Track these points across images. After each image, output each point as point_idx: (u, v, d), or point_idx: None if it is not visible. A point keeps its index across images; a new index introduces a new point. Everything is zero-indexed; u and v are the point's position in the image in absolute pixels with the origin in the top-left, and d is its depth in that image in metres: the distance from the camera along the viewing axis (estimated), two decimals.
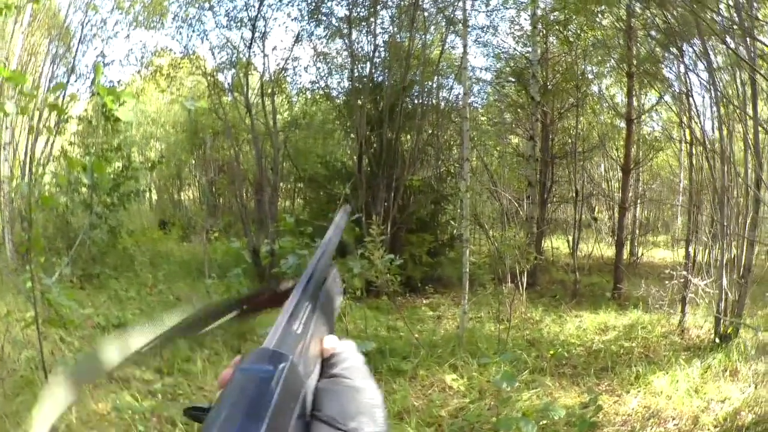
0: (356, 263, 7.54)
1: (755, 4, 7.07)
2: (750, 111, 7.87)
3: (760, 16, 7.33)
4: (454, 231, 13.24)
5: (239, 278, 7.89)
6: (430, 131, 13.44)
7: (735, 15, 7.42)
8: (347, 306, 7.85)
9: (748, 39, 7.00)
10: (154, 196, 19.47)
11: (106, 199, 10.32)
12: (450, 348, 7.72)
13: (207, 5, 12.19)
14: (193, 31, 12.85)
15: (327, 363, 0.71)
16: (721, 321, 7.99)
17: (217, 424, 0.49)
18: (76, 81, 12.31)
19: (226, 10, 12.28)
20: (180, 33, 12.74)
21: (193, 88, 14.19)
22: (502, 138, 15.23)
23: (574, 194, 13.35)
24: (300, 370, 0.61)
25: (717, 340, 7.95)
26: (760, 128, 7.70)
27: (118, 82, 13.21)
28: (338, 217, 1.07)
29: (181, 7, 12.54)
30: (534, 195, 12.87)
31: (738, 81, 8.12)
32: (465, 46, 10.72)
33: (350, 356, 0.73)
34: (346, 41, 12.52)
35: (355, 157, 12.59)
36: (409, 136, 13.15)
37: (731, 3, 7.44)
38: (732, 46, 7.21)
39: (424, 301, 11.45)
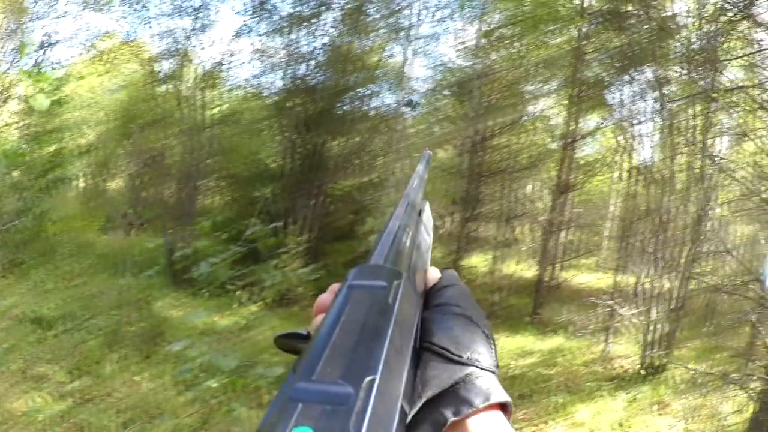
0: (270, 274, 7.53)
1: (719, 37, 7.03)
2: (699, 142, 7.87)
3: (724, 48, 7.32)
4: (371, 244, 12.95)
5: (152, 279, 7.52)
6: (358, 139, 13.13)
7: (697, 44, 7.41)
8: (257, 316, 7.53)
9: (708, 70, 6.95)
10: (82, 184, 18.83)
11: (35, 185, 10.03)
12: None
13: None
14: (138, 16, 12.25)
15: (431, 293, 0.67)
16: (649, 352, 7.93)
17: (327, 347, 0.42)
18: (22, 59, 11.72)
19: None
20: (125, 17, 12.58)
21: (130, 76, 13.82)
22: (432, 151, 15.01)
23: (499, 213, 13.26)
24: (413, 291, 0.58)
25: (643, 372, 7.88)
26: (707, 160, 7.69)
27: (59, 63, 12.62)
28: (423, 164, 1.00)
29: None
30: (458, 212, 12.72)
31: (689, 111, 8.13)
32: (405, 55, 10.52)
33: (456, 284, 0.69)
34: (286, 40, 12.18)
35: (279, 160, 12.32)
36: (337, 143, 12.78)
37: (694, 32, 7.44)
38: (690, 75, 7.15)
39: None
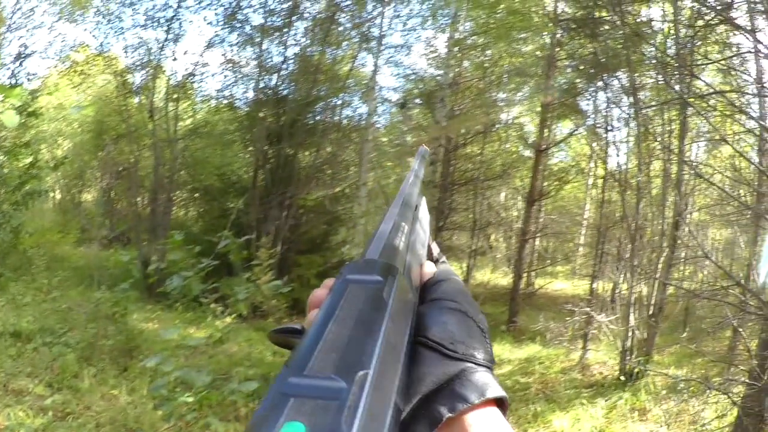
0: (242, 288, 7.41)
1: (695, 41, 7.04)
2: (675, 147, 7.87)
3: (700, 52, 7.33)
4: (345, 255, 12.90)
5: (127, 292, 7.50)
6: (329, 149, 13.06)
7: (673, 49, 7.42)
8: (231, 328, 7.51)
9: (683, 75, 6.94)
10: (58, 196, 18.93)
11: (11, 198, 10.04)
12: None
13: (128, 1, 11.66)
14: (111, 28, 12.12)
15: (426, 288, 0.66)
16: (628, 359, 7.90)
17: (320, 342, 0.42)
18: None
19: (146, 9, 11.75)
20: (99, 28, 12.53)
21: (103, 87, 13.66)
22: (402, 160, 15.00)
23: (472, 222, 13.24)
24: (409, 286, 0.57)
25: (622, 378, 7.83)
26: (686, 166, 7.67)
27: (35, 75, 12.78)
28: (418, 160, 0.98)
29: (104, 2, 12.07)
30: (431, 221, 12.63)
31: (664, 116, 8.13)
32: (376, 64, 10.46)
33: (451, 278, 0.68)
34: (257, 50, 12.11)
35: (251, 171, 12.24)
36: (308, 153, 12.71)
37: (669, 37, 7.45)
38: (666, 81, 7.13)
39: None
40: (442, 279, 0.67)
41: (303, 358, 0.40)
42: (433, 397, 0.49)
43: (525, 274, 12.91)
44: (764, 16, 5.68)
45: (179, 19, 11.62)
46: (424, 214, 0.87)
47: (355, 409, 0.35)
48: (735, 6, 5.93)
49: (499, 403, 0.52)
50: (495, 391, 0.51)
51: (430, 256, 0.81)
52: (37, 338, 6.71)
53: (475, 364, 0.53)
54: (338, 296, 0.48)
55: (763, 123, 5.98)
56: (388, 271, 0.52)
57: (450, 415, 0.48)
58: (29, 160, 10.55)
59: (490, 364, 0.55)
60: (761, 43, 5.59)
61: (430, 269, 0.70)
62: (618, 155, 9.63)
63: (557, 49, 10.60)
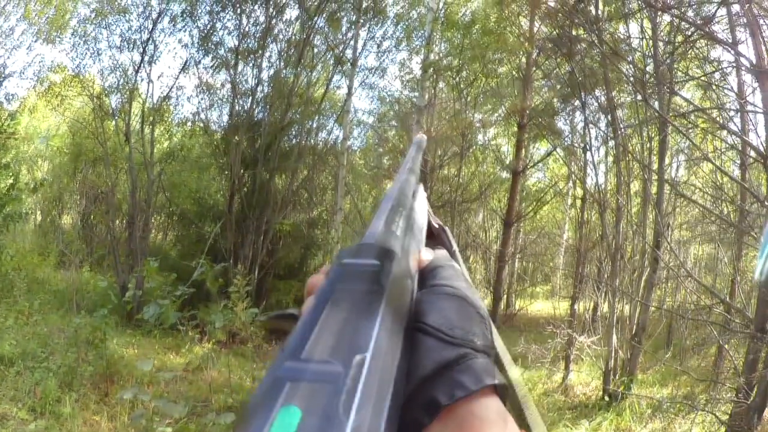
0: (219, 316, 7.57)
1: (675, 57, 7.04)
2: (655, 165, 7.85)
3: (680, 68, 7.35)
4: None
5: (105, 318, 7.55)
6: (305, 173, 12.99)
7: (651, 66, 7.42)
8: (210, 353, 7.54)
9: (662, 92, 6.94)
10: (38, 218, 18.86)
11: None
12: None
13: (104, 23, 11.63)
14: (87, 49, 12.03)
15: (424, 273, 0.63)
16: (611, 380, 7.84)
17: (316, 326, 0.41)
18: None
19: (121, 31, 11.69)
20: (75, 50, 12.07)
21: (80, 110, 13.73)
22: (379, 183, 14.96)
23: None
24: (406, 271, 0.55)
25: (606, 399, 7.78)
26: (664, 183, 7.66)
27: (13, 95, 12.68)
28: (414, 148, 0.97)
29: (80, 23, 12.01)
30: None
31: (643, 135, 8.13)
32: (350, 87, 10.41)
33: (448, 264, 0.65)
34: (231, 73, 12.01)
35: (227, 196, 12.10)
36: (284, 176, 12.64)
37: (648, 53, 7.45)
38: (644, 99, 7.12)
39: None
40: (440, 265, 0.66)
41: (299, 342, 0.38)
42: (431, 384, 0.48)
43: (504, 296, 12.87)
44: (745, 29, 5.66)
45: (154, 41, 11.56)
46: (421, 200, 0.86)
47: (352, 394, 0.34)
48: (715, 20, 5.95)
49: (499, 390, 0.49)
50: (494, 378, 0.49)
51: (434, 242, 0.83)
52: (19, 362, 6.68)
53: (474, 350, 0.51)
54: (334, 280, 0.47)
55: (744, 138, 5.97)
56: (385, 255, 0.50)
57: (448, 402, 0.46)
58: (9, 181, 10.53)
59: (490, 351, 0.53)
60: (743, 56, 5.60)
61: (427, 255, 0.68)
62: (596, 175, 9.60)
63: (533, 69, 10.61)
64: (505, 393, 0.49)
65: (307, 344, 0.38)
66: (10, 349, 7.11)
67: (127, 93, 11.53)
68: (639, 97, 7.47)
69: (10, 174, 10.62)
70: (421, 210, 0.83)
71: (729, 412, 5.98)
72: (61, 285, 11.78)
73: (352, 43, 11.86)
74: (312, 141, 13.22)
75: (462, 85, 12.06)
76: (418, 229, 0.77)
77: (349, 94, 11.48)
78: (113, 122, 11.97)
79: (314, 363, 0.36)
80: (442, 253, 0.72)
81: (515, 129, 11.92)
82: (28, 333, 8.14)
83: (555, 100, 10.34)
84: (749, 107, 6.14)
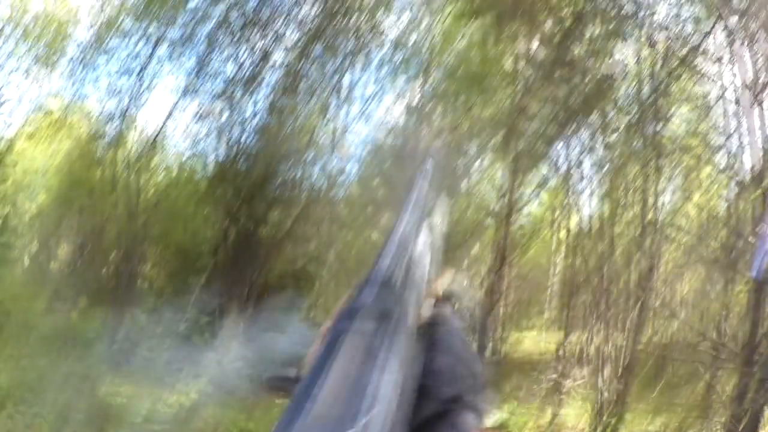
0: (206, 367, 7.99)
1: (669, 81, 7.03)
2: (646, 195, 7.82)
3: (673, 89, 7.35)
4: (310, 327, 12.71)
5: (97, 361, 8.16)
6: (297, 210, 12.79)
7: (645, 90, 7.44)
8: (199, 401, 7.84)
9: (655, 118, 6.93)
10: (31, 254, 18.95)
11: None
12: None
13: (102, 48, 11.77)
14: (83, 78, 12.22)
15: (424, 328, 0.70)
16: (601, 417, 7.76)
17: (309, 401, 0.43)
18: None
19: (119, 57, 11.81)
20: (72, 78, 12.24)
21: (76, 139, 13.53)
22: (375, 217, 14.76)
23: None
24: (402, 332, 0.57)
25: None
26: (655, 214, 7.63)
27: (10, 123, 12.68)
28: (423, 176, 1.01)
29: (78, 50, 12.13)
30: None
31: (636, 163, 8.10)
32: (346, 116, 10.45)
33: (447, 322, 0.73)
34: (227, 103, 11.99)
35: (219, 238, 12.14)
36: (276, 213, 12.49)
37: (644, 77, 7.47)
38: (637, 126, 7.13)
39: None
40: (438, 322, 0.72)
41: (292, 418, 0.40)
42: None
43: (493, 334, 12.70)
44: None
45: (149, 71, 11.67)
46: (436, 224, 0.90)
47: None
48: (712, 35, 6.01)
49: None
50: (476, 428, 0.55)
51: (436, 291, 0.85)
52: (10, 404, 6.70)
53: (462, 404, 0.57)
54: (329, 350, 0.49)
55: (736, 164, 6.00)
56: (382, 317, 0.52)
57: None
58: (6, 211, 10.96)
59: (479, 403, 0.60)
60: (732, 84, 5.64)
61: (428, 310, 0.74)
62: (588, 205, 9.55)
63: (526, 97, 10.55)
64: None
65: (298, 420, 0.40)
66: (1, 391, 7.10)
67: (123, 123, 11.70)
68: (629, 128, 7.53)
69: (7, 202, 11.00)
70: (425, 248, 0.85)
71: None
72: (51, 327, 11.58)
73: (347, 72, 11.85)
74: (306, 175, 13.01)
75: (457, 115, 11.98)
76: (420, 274, 0.79)
77: (345, 125, 11.48)
78: (109, 153, 12.01)
79: None
80: (442, 308, 0.78)
81: (508, 158, 11.78)
82: (21, 375, 8.10)
83: (547, 127, 10.25)
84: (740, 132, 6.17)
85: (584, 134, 9.34)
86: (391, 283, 0.62)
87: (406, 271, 0.69)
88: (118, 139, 11.74)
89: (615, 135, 8.54)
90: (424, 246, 0.85)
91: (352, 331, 0.51)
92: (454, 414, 0.55)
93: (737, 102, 6.01)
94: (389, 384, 0.48)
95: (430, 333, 0.68)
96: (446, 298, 0.83)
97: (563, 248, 11.63)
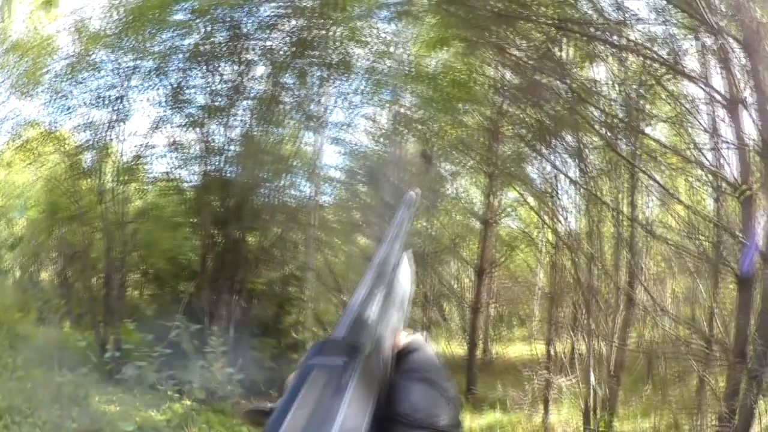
0: (196, 375, 8.02)
1: (644, 95, 7.26)
2: (626, 205, 8.00)
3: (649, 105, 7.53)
4: (298, 337, 12.77)
5: (87, 376, 8.09)
6: (276, 229, 12.96)
7: (620, 104, 7.59)
8: (189, 414, 7.79)
9: (632, 131, 7.12)
10: (17, 274, 18.48)
11: None
12: None
13: (77, 78, 11.63)
14: (59, 106, 11.98)
15: (399, 357, 0.70)
16: (591, 419, 7.88)
17: (281, 428, 0.45)
18: None
19: (94, 87, 11.69)
20: (49, 105, 12.01)
21: (55, 167, 13.28)
22: (350, 237, 14.89)
23: (424, 295, 13.19)
24: (374, 364, 0.59)
25: None
26: (635, 223, 7.81)
27: None
28: (404, 207, 0.99)
29: (54, 78, 11.90)
30: None
31: (613, 177, 8.28)
32: (319, 142, 10.56)
33: (421, 348, 0.72)
34: (202, 131, 12.02)
35: (200, 255, 12.11)
36: (256, 233, 12.62)
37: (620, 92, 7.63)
38: (611, 143, 7.32)
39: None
40: (412, 349, 0.72)
41: None
42: None
43: (481, 342, 12.89)
44: (718, 63, 5.89)
45: (126, 99, 11.57)
46: (404, 274, 0.88)
47: None
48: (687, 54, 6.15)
49: None
50: None
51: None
52: (6, 417, 6.67)
53: (436, 430, 0.57)
54: (299, 384, 0.51)
55: (717, 171, 6.15)
56: (353, 352, 0.54)
57: None
58: None
59: (455, 430, 0.60)
60: (713, 88, 5.81)
61: (402, 339, 0.74)
62: (568, 218, 9.70)
63: (500, 117, 10.79)
64: None
65: None
66: None
67: (100, 150, 11.61)
68: (607, 140, 7.67)
69: None
70: (403, 284, 0.87)
71: None
72: (41, 342, 11.64)
73: (320, 99, 11.97)
74: (283, 197, 13.19)
75: (430, 137, 12.21)
76: (398, 305, 0.81)
77: (318, 149, 11.58)
78: (87, 180, 11.96)
79: None
80: (416, 337, 0.77)
81: (484, 177, 12.08)
82: (13, 389, 8.05)
83: (523, 145, 10.49)
84: (721, 140, 6.31)
85: (561, 149, 9.49)
86: (365, 316, 0.64)
87: (384, 302, 0.71)
88: (99, 160, 11.74)
89: (597, 140, 8.69)
90: (404, 275, 0.87)
91: (323, 364, 0.53)
92: None
93: (722, 106, 6.12)
94: (359, 417, 0.50)
95: (404, 360, 0.69)
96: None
97: (551, 249, 11.83)
